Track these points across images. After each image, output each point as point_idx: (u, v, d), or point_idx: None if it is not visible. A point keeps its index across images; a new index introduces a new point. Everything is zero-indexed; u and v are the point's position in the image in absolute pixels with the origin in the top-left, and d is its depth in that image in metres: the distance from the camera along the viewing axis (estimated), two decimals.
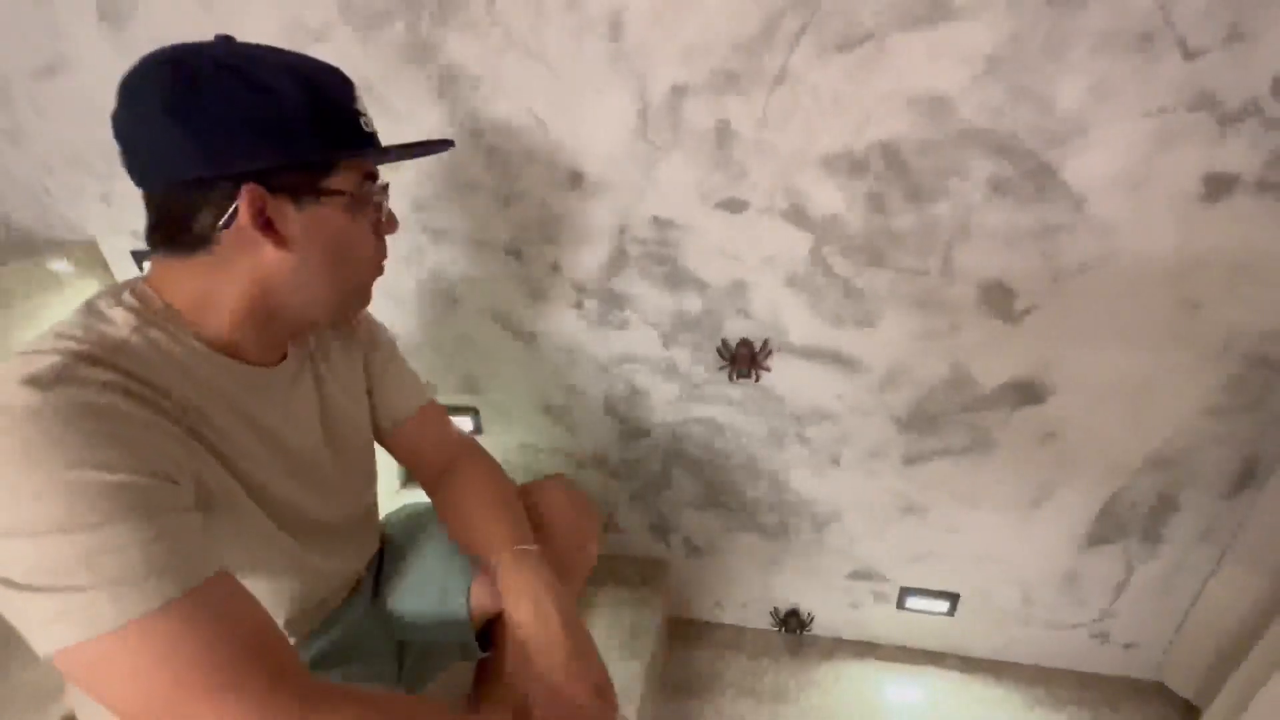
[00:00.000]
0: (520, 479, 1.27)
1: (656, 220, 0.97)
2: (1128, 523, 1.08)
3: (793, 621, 1.34)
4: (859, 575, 1.25)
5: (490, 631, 0.77)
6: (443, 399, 1.20)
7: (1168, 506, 1.05)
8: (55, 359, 0.44)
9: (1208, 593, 1.10)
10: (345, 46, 0.91)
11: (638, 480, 1.24)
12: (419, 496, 0.83)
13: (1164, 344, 0.92)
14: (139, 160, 0.51)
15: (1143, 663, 1.22)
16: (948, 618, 1.26)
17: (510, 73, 0.90)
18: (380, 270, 0.63)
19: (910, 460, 1.09)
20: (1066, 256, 0.88)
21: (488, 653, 0.77)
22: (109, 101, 1.05)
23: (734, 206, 0.93)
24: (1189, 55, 0.75)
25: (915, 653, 1.31)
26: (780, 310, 1.00)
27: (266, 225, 0.51)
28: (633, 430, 1.18)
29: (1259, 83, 0.75)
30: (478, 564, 0.75)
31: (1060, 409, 0.99)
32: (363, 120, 0.56)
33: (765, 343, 1.04)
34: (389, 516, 0.87)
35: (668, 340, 1.07)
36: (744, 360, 1.06)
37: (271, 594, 0.61)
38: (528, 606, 0.63)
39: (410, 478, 1.35)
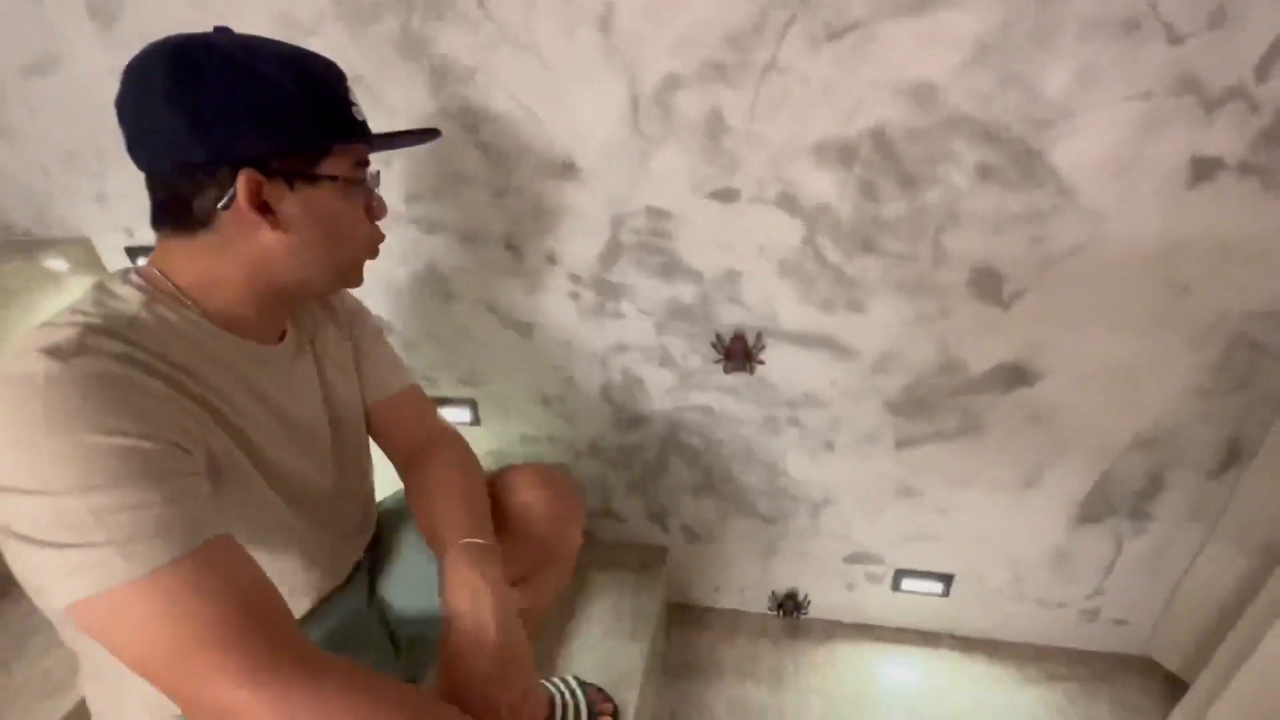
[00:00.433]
0: None
1: (650, 211, 0.97)
2: (1117, 502, 1.10)
3: (790, 605, 1.36)
4: (855, 558, 1.27)
5: None
6: (441, 392, 1.22)
7: (1156, 486, 1.07)
8: (73, 331, 0.47)
9: (1195, 569, 1.13)
10: (337, 40, 0.91)
11: (636, 468, 1.25)
12: None
13: (1151, 326, 0.93)
14: (142, 144, 0.54)
15: (1132, 638, 1.25)
16: (942, 598, 1.28)
17: (502, 65, 0.90)
18: (375, 251, 0.66)
19: (903, 444, 1.11)
20: (1055, 241, 0.89)
21: None
22: (100, 99, 1.05)
23: (726, 196, 0.94)
24: (1174, 40, 0.76)
25: (910, 633, 1.34)
26: (773, 298, 1.01)
27: (263, 208, 0.54)
28: (630, 419, 1.19)
29: (1243, 66, 0.76)
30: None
31: (1050, 391, 1.01)
32: (354, 109, 0.59)
33: (759, 336, 1.05)
34: (382, 501, 0.88)
35: (662, 329, 1.08)
36: (738, 354, 1.07)
37: (272, 566, 0.63)
38: (464, 604, 0.61)
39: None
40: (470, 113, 0.94)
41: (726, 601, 1.41)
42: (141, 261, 0.59)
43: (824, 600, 1.35)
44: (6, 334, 0.99)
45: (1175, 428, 1.01)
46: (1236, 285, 0.89)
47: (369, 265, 0.66)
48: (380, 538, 0.83)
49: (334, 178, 0.58)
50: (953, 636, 1.33)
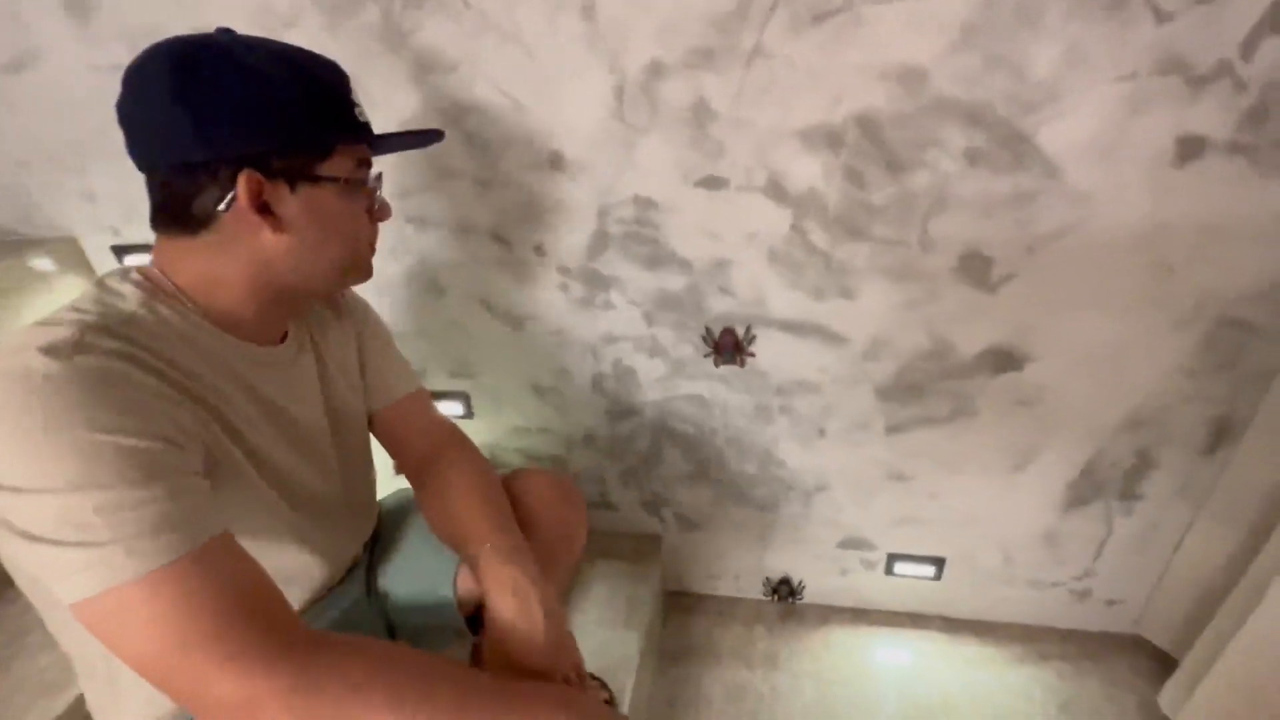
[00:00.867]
0: (514, 461, 1.30)
1: (637, 200, 0.97)
2: (1107, 483, 1.11)
3: (784, 590, 1.37)
4: (848, 544, 1.28)
5: (483, 615, 0.79)
6: (433, 385, 1.22)
7: (1145, 466, 1.08)
8: (71, 329, 0.47)
9: (1185, 548, 1.14)
10: (316, 33, 0.90)
11: (629, 458, 1.25)
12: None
13: (1138, 307, 0.94)
14: (142, 144, 0.54)
15: (1123, 617, 1.26)
16: (934, 581, 1.29)
17: (486, 56, 0.89)
18: (373, 249, 0.66)
19: (894, 429, 1.11)
20: (1042, 224, 0.89)
21: (480, 635, 0.78)
22: (80, 95, 1.03)
23: (713, 184, 0.94)
24: (1161, 19, 0.75)
25: (904, 616, 1.35)
26: (762, 286, 1.01)
27: (264, 208, 0.54)
28: (622, 409, 1.19)
29: (1229, 45, 0.76)
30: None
31: (1039, 374, 1.01)
32: (356, 110, 0.59)
33: (749, 329, 1.05)
34: (383, 500, 0.89)
35: (652, 320, 1.08)
36: (728, 347, 1.07)
37: (271, 563, 0.63)
38: (509, 601, 0.63)
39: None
40: (454, 104, 0.93)
41: (721, 588, 1.42)
42: (131, 260, 0.59)
43: (818, 585, 1.36)
44: None
45: (1163, 408, 1.02)
46: (1222, 266, 0.89)
47: None
48: (380, 532, 0.84)
49: (336, 179, 0.57)
50: (944, 619, 1.34)
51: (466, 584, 0.75)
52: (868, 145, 0.87)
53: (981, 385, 1.04)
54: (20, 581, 0.55)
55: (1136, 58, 0.78)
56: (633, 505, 1.32)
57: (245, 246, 0.55)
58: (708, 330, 1.07)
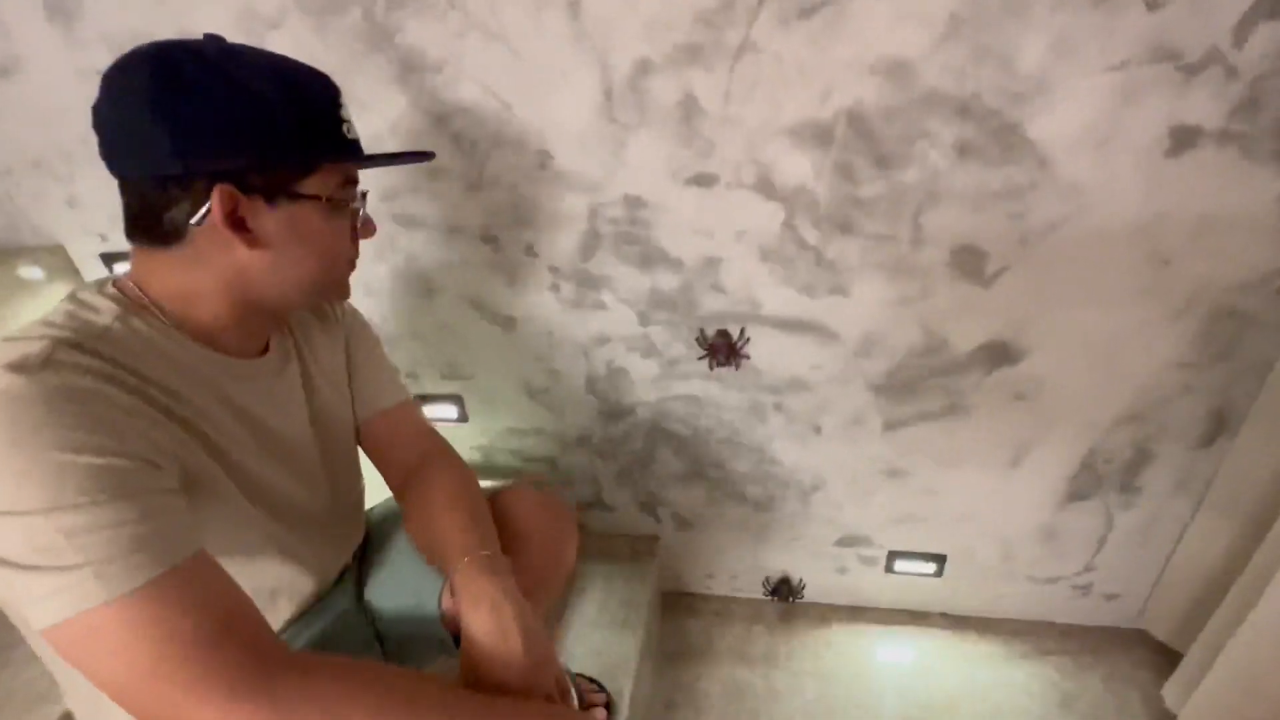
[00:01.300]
0: (508, 463, 1.30)
1: (627, 199, 0.96)
2: (1105, 477, 1.10)
3: (784, 589, 1.36)
4: (846, 541, 1.28)
5: None
6: (426, 388, 1.22)
7: (1143, 459, 1.07)
8: (40, 345, 0.45)
9: (1185, 541, 1.13)
10: (300, 34, 0.90)
11: (623, 458, 1.25)
12: None
13: (1133, 299, 0.93)
14: (115, 151, 0.52)
15: (1124, 612, 1.26)
16: (935, 578, 1.28)
17: (471, 55, 0.89)
18: (353, 266, 0.64)
19: (890, 426, 1.11)
20: (1035, 216, 0.89)
21: None
22: (64, 101, 1.03)
23: (703, 182, 0.93)
24: (1151, 6, 0.75)
25: (904, 614, 1.34)
26: (754, 284, 1.00)
27: (238, 224, 0.52)
28: (615, 409, 1.19)
29: (1220, 31, 0.75)
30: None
31: (1034, 369, 1.01)
32: (345, 126, 0.57)
33: (742, 331, 1.04)
34: (372, 508, 0.88)
35: (644, 319, 1.07)
36: (722, 350, 1.06)
37: (255, 579, 0.62)
38: (485, 617, 0.60)
39: None
40: (441, 105, 0.93)
41: (719, 588, 1.41)
42: (121, 268, 0.58)
43: (818, 584, 1.35)
44: None
45: (1160, 400, 1.01)
46: (1217, 256, 0.88)
47: None
48: (369, 541, 0.83)
49: (317, 197, 0.56)
50: (945, 616, 1.33)
51: (451, 599, 0.74)
52: (858, 140, 0.87)
53: (977, 381, 1.03)
54: None
55: (1126, 46, 0.77)
56: (628, 506, 1.32)
57: (218, 261, 0.54)
58: (701, 333, 1.06)
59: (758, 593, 1.39)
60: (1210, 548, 1.09)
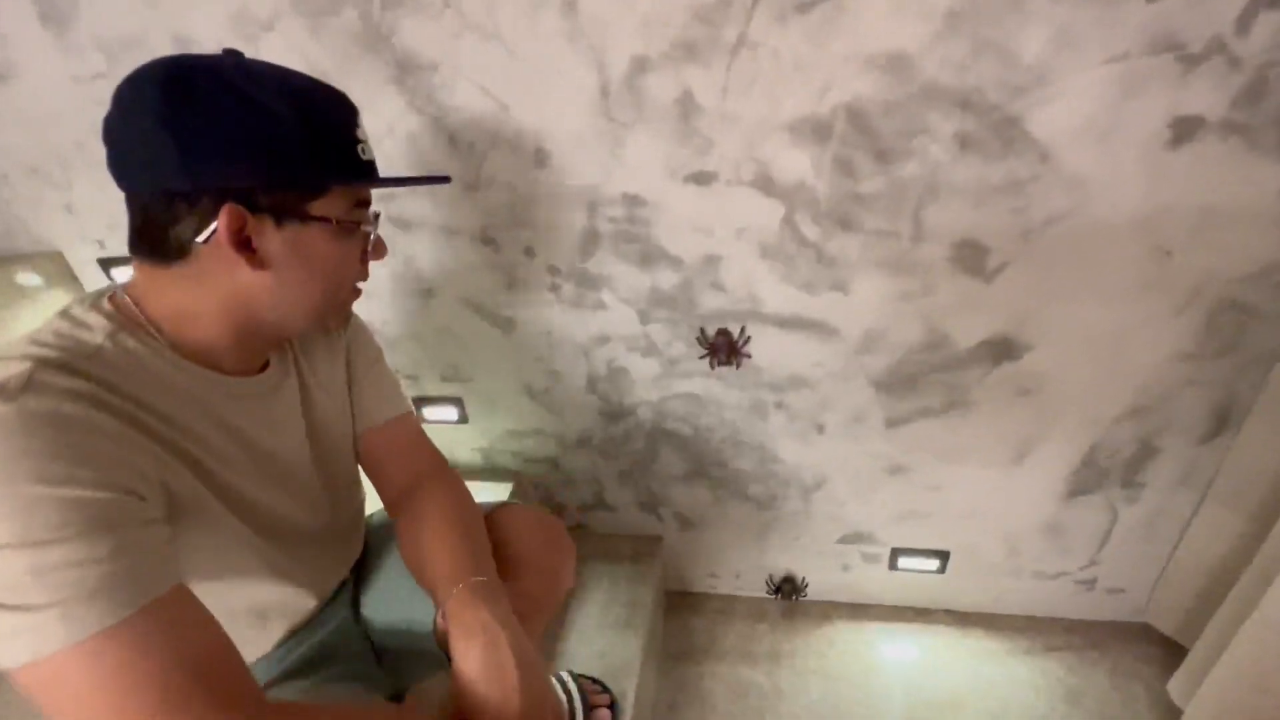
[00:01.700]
0: (509, 464, 1.29)
1: (626, 198, 0.96)
2: (1109, 471, 1.09)
3: (788, 588, 1.36)
4: (849, 539, 1.27)
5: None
6: (426, 391, 1.21)
7: (1147, 453, 1.07)
8: (24, 366, 0.44)
9: (1190, 535, 1.12)
10: (295, 36, 0.89)
11: (625, 458, 1.24)
12: None
13: (1136, 293, 0.92)
14: (124, 164, 0.51)
15: (1129, 606, 1.25)
16: (939, 575, 1.28)
17: (467, 55, 0.88)
18: (358, 293, 0.63)
19: (892, 423, 1.10)
20: (1037, 210, 0.88)
21: None
22: (60, 106, 1.02)
23: (702, 179, 0.92)
24: None
25: (908, 611, 1.34)
26: (754, 281, 1.00)
27: (244, 244, 0.51)
28: (616, 409, 1.18)
29: (1223, 21, 0.74)
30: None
31: (1037, 363, 1.00)
32: (360, 147, 0.56)
33: (743, 329, 1.04)
34: (370, 516, 0.86)
35: (645, 318, 1.06)
36: (723, 349, 1.06)
37: (246, 600, 0.61)
38: (479, 652, 0.57)
39: None
40: (437, 105, 0.92)
41: (723, 587, 1.40)
42: (119, 272, 0.57)
43: (821, 582, 1.35)
44: None
45: (1164, 394, 1.00)
46: (1220, 248, 0.87)
47: None
48: (366, 551, 0.81)
49: (328, 219, 0.54)
50: (949, 612, 1.33)
51: (444, 621, 0.72)
52: (857, 135, 0.86)
53: (980, 376, 1.03)
54: None
55: (1127, 37, 0.76)
56: (630, 506, 1.31)
57: (221, 281, 0.53)
58: (702, 332, 1.06)
59: (761, 591, 1.39)
60: (1215, 541, 1.09)
